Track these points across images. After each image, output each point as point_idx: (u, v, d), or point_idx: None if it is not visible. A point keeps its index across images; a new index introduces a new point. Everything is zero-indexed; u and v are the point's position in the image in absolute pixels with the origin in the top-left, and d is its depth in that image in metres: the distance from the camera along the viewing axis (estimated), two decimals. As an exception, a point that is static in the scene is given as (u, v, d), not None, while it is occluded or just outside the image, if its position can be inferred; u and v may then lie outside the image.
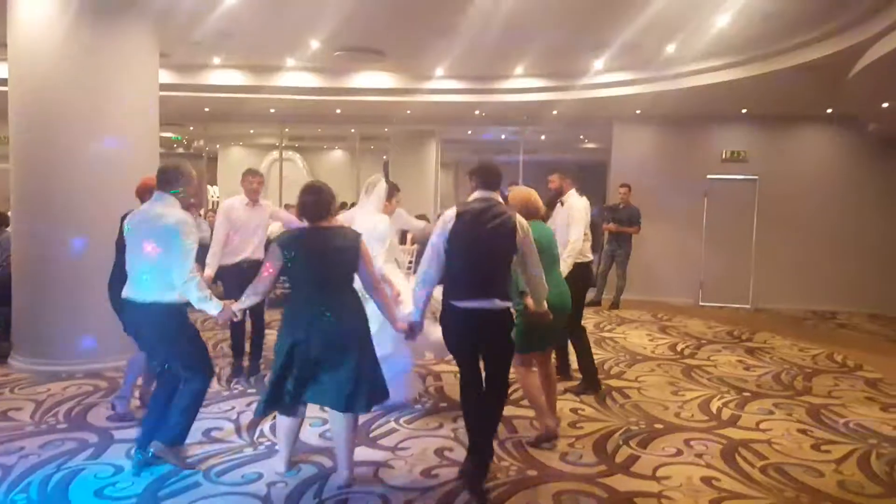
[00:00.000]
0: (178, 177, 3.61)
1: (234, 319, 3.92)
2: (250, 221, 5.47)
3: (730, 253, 10.40)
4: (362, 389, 3.41)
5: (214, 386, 5.29)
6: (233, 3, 6.09)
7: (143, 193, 4.16)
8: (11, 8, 5.61)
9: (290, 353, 3.40)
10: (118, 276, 3.88)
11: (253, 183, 5.46)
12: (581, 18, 6.59)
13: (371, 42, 8.02)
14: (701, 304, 10.43)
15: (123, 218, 3.88)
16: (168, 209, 3.53)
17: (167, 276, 3.45)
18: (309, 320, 3.38)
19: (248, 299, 3.57)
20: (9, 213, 6.51)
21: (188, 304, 3.56)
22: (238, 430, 4.35)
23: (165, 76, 7.72)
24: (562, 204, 5.57)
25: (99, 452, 3.92)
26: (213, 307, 3.52)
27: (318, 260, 3.42)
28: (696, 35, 6.80)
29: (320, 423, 4.48)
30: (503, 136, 14.37)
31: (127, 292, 3.59)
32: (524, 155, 13.01)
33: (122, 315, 3.75)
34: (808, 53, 6.66)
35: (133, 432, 4.12)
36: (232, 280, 5.34)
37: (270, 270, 3.45)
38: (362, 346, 3.48)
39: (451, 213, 3.61)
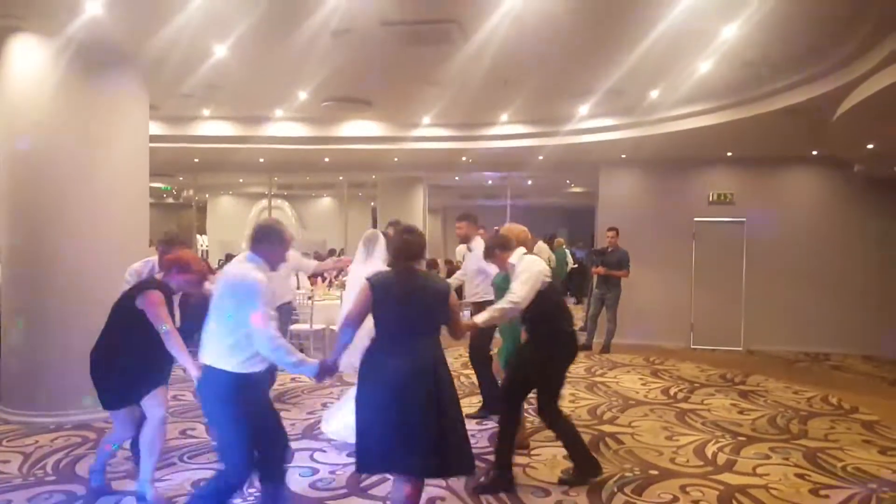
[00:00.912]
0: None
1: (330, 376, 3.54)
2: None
3: (720, 295, 10.41)
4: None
5: (203, 435, 5.19)
6: (221, 56, 6.17)
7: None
8: (3, 60, 5.66)
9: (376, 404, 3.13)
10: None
11: None
12: (564, 66, 6.71)
13: (358, 92, 8.13)
14: (692, 346, 10.38)
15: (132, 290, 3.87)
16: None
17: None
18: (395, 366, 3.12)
19: (342, 348, 3.35)
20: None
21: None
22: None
23: (155, 128, 7.79)
24: (469, 250, 6.08)
25: None
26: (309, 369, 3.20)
27: (407, 302, 3.22)
28: (679, 81, 6.93)
29: (310, 473, 4.39)
30: (489, 182, 14.52)
31: None
32: (511, 199, 13.12)
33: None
34: (791, 97, 6.76)
35: (122, 484, 4.13)
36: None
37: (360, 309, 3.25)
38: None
39: None
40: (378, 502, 3.97)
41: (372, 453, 3.12)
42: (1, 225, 5.74)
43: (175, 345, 3.63)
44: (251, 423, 3.07)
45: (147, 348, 3.72)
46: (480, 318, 4.07)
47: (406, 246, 3.34)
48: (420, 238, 3.39)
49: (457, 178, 14.22)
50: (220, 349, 3.06)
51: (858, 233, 10.11)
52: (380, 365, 3.16)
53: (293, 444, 4.94)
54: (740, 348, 10.23)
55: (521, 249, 4.32)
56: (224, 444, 3.17)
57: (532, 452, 4.85)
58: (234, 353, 3.03)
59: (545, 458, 4.74)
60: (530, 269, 4.10)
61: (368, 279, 3.30)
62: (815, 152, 9.78)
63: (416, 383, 3.09)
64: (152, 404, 3.84)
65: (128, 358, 3.76)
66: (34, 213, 5.56)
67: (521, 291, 4.01)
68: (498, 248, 4.34)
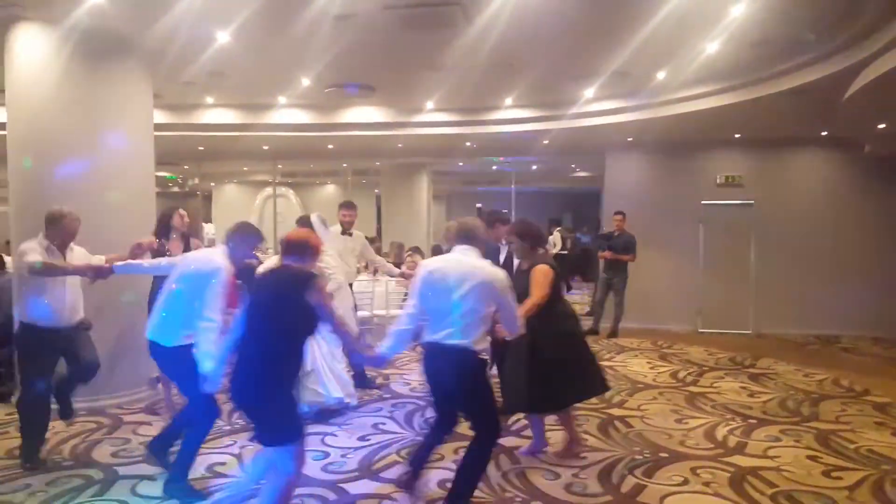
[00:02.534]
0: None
1: None
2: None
3: (728, 278, 10.36)
4: None
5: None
6: (224, 43, 6.13)
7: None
8: (9, 52, 5.64)
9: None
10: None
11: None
12: (569, 48, 6.63)
13: (362, 78, 8.07)
14: (700, 330, 10.34)
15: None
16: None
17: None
18: None
19: None
20: (7, 257, 6.50)
21: None
22: (241, 464, 4.31)
23: (159, 116, 7.75)
24: (350, 234, 6.64)
25: (104, 489, 3.95)
26: None
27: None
28: (686, 62, 6.85)
29: (322, 456, 4.41)
30: (494, 167, 14.45)
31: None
32: (515, 185, 13.05)
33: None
34: (800, 78, 6.68)
35: (138, 468, 4.22)
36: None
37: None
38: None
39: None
40: (389, 484, 3.98)
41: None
42: (10, 214, 5.73)
43: (353, 343, 3.88)
44: None
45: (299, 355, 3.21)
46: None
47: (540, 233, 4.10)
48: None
49: (461, 163, 14.15)
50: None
51: (869, 214, 10.02)
52: None
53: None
54: (749, 332, 10.18)
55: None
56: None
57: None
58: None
59: (554, 441, 4.73)
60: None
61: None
62: (824, 133, 9.68)
63: None
64: None
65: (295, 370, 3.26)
66: (40, 204, 5.49)
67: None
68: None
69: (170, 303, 3.77)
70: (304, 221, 5.73)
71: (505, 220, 5.48)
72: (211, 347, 3.38)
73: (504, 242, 5.38)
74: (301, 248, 3.26)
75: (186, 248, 5.30)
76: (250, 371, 3.02)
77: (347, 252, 6.55)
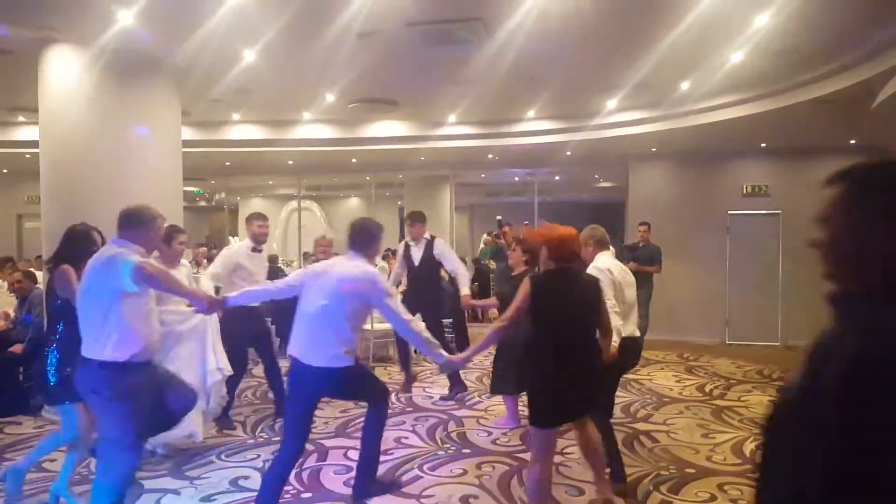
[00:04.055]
0: None
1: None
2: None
3: (756, 289, 10.21)
4: None
5: (240, 434, 5.28)
6: (250, 61, 6.26)
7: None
8: (42, 73, 5.85)
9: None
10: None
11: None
12: (591, 61, 6.64)
13: (385, 93, 8.16)
14: (728, 342, 10.20)
15: None
16: None
17: None
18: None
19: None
20: (38, 272, 6.66)
21: None
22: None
23: (187, 133, 7.92)
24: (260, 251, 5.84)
25: (131, 502, 3.87)
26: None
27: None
28: (709, 72, 6.81)
29: (345, 471, 4.43)
30: (516, 178, 14.44)
31: None
32: (538, 196, 13.03)
33: None
34: (826, 86, 6.60)
35: (163, 482, 4.20)
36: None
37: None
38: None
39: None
40: (412, 499, 3.98)
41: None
42: (42, 230, 5.90)
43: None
44: None
45: None
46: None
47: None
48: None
49: (483, 175, 14.18)
50: None
51: (899, 223, 9.80)
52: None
53: (327, 443, 5.02)
54: (778, 343, 10.02)
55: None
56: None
57: (565, 451, 4.82)
58: None
59: (577, 455, 4.70)
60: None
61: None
62: (853, 141, 9.52)
63: None
64: None
65: None
66: (73, 219, 5.65)
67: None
68: None
69: (323, 320, 3.49)
70: None
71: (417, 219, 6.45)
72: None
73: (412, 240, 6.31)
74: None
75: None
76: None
77: (258, 269, 5.60)
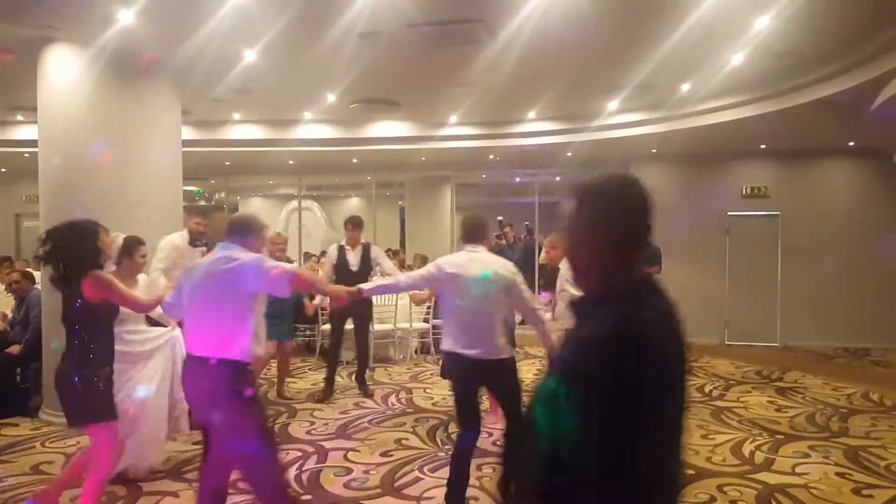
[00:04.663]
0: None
1: None
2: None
3: (755, 290, 10.23)
4: None
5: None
6: (251, 60, 6.26)
7: None
8: (41, 73, 5.84)
9: None
10: None
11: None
12: (592, 62, 6.65)
13: (386, 93, 8.16)
14: (727, 343, 10.22)
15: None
16: None
17: None
18: None
19: None
20: (36, 272, 6.64)
21: None
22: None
23: (187, 132, 7.91)
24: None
25: None
26: None
27: None
28: (710, 74, 6.82)
29: (344, 473, 4.43)
30: (517, 179, 14.43)
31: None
32: (539, 197, 13.03)
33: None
34: (826, 89, 6.61)
35: (162, 484, 4.20)
36: None
37: None
38: None
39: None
40: (412, 502, 3.99)
41: None
42: (41, 230, 5.87)
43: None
44: None
45: None
46: None
47: None
48: None
49: (484, 175, 14.17)
50: None
51: (897, 225, 9.84)
52: None
53: (327, 444, 5.03)
54: (777, 344, 10.03)
55: None
56: None
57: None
58: None
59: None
60: None
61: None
62: (851, 143, 9.54)
63: None
64: None
65: None
66: (72, 217, 5.66)
67: None
68: None
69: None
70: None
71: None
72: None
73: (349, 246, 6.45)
74: None
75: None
76: None
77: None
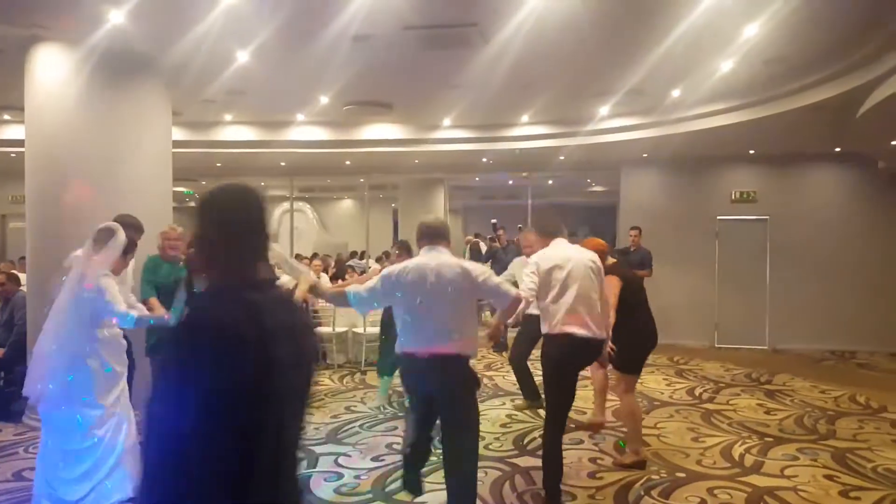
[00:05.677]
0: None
1: None
2: None
3: (744, 294, 10.30)
4: None
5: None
6: (243, 61, 6.24)
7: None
8: (29, 72, 5.78)
9: None
10: None
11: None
12: (585, 67, 6.69)
13: (379, 96, 8.16)
14: (717, 346, 10.28)
15: None
16: None
17: None
18: None
19: None
20: (19, 273, 6.57)
21: None
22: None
23: (178, 133, 7.89)
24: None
25: None
26: None
27: None
28: (701, 80, 6.89)
29: (335, 478, 4.42)
30: (511, 182, 14.48)
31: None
32: (532, 199, 13.08)
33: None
34: (813, 95, 6.69)
35: None
36: None
37: None
38: None
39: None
40: (404, 505, 3.99)
41: None
42: (27, 230, 5.84)
43: None
44: None
45: None
46: None
47: None
48: None
49: (477, 178, 14.21)
50: None
51: (883, 229, 9.95)
52: None
53: (317, 449, 5.01)
54: (766, 347, 10.11)
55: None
56: None
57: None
58: None
59: (570, 461, 4.73)
60: None
61: None
62: (838, 149, 9.64)
63: None
64: None
65: None
66: (59, 218, 5.61)
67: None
68: None
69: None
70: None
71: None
72: None
73: None
74: None
75: None
76: None
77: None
